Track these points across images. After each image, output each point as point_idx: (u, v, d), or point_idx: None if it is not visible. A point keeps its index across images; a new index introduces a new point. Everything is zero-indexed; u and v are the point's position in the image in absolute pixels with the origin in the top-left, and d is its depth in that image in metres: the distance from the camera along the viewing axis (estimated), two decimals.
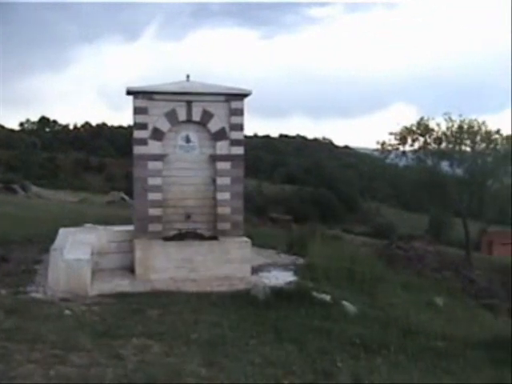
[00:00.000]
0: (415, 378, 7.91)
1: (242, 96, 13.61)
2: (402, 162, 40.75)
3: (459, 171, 39.05)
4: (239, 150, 13.54)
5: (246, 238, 13.50)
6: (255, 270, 13.75)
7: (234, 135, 13.52)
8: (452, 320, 12.68)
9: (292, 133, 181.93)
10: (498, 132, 37.20)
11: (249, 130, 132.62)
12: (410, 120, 39.44)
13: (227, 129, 13.46)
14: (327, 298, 11.37)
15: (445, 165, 39.12)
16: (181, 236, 13.37)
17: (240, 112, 13.56)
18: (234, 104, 13.52)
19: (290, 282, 12.54)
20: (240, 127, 13.58)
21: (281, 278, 13.23)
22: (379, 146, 39.46)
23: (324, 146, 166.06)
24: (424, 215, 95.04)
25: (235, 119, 13.51)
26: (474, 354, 9.72)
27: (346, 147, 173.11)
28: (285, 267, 14.69)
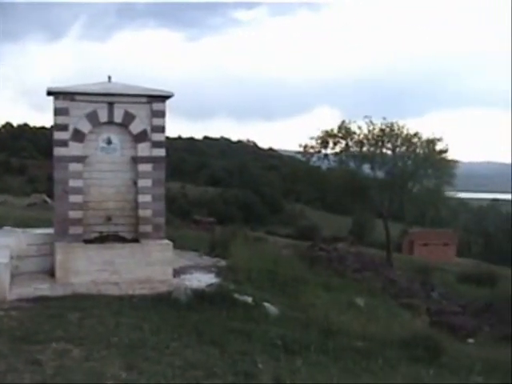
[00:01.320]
0: (335, 378, 7.99)
1: (163, 98, 13.54)
2: (325, 165, 41.32)
3: (380, 174, 39.79)
4: (161, 152, 13.47)
5: (167, 241, 13.43)
6: (177, 273, 13.69)
7: (156, 137, 13.44)
8: (372, 320, 12.88)
9: (216, 135, 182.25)
10: (417, 135, 38.11)
11: (173, 132, 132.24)
12: (334, 123, 40.03)
13: (149, 131, 13.37)
14: (249, 299, 11.41)
15: (366, 167, 39.84)
16: (102, 239, 13.21)
17: (162, 114, 13.49)
18: (156, 106, 13.44)
19: (212, 284, 12.51)
20: (162, 129, 13.51)
21: (203, 280, 13.20)
22: (302, 149, 39.93)
23: (248, 149, 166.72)
24: (347, 217, 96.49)
25: (157, 121, 13.43)
26: (392, 353, 9.92)
27: (271, 149, 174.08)
28: (207, 269, 14.66)
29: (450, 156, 39.24)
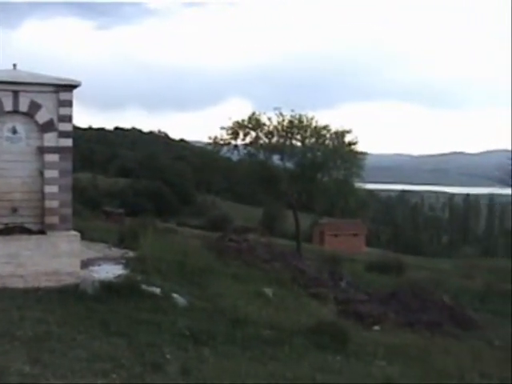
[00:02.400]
0: (243, 366, 8.08)
1: (71, 87, 13.30)
2: (235, 156, 41.41)
3: (290, 165, 40.13)
4: (68, 142, 13.24)
5: (75, 232, 13.23)
6: (85, 265, 13.50)
7: (63, 127, 13.19)
8: (280, 309, 13.03)
9: (127, 125, 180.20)
10: (326, 127, 38.59)
11: (83, 123, 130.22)
12: (245, 114, 40.14)
13: (56, 120, 13.12)
14: (157, 290, 11.39)
15: (276, 158, 40.13)
16: (7, 231, 12.91)
17: (69, 103, 13.26)
18: (63, 95, 13.19)
19: (120, 276, 12.42)
20: (69, 119, 13.27)
21: (111, 271, 13.09)
22: (212, 140, 39.92)
23: (159, 139, 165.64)
24: (258, 208, 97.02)
25: (64, 110, 13.19)
26: (300, 341, 10.08)
27: (182, 140, 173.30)
28: (115, 261, 14.53)
29: (358, 148, 39.93)
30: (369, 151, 45.12)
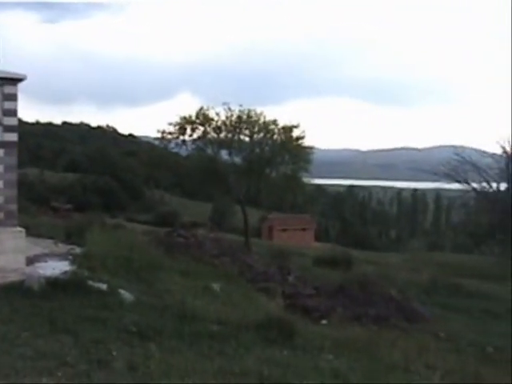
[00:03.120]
0: (190, 362, 8.06)
1: (15, 80, 13.11)
2: (184, 151, 41.35)
3: (238, 160, 40.22)
4: (13, 137, 13.05)
5: (20, 228, 13.05)
6: (31, 261, 13.33)
7: (8, 121, 12.99)
8: (228, 304, 13.04)
9: (76, 120, 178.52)
10: (274, 122, 38.75)
11: (30, 117, 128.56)
12: (194, 110, 40.12)
13: (0, 114, 12.93)
14: (103, 286, 11.29)
15: (224, 153, 40.18)
16: None
17: (13, 97, 13.06)
18: (7, 89, 12.99)
19: (66, 272, 12.29)
20: (14, 113, 13.08)
21: (57, 267, 12.92)
22: (159, 135, 39.83)
23: (108, 134, 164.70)
24: (207, 203, 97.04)
25: (8, 104, 12.99)
26: (247, 336, 10.08)
27: (131, 135, 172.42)
28: (62, 257, 14.35)
29: (306, 142, 40.15)
30: (318, 146, 45.60)
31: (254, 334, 10.27)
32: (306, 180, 42.61)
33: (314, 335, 11.61)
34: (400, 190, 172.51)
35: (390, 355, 11.05)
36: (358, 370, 9.45)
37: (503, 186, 69.71)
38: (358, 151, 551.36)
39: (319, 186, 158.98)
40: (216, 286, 14.48)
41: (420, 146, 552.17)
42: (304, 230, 78.59)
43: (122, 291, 11.37)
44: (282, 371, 8.39)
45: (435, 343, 13.88)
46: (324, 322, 14.24)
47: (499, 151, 68.58)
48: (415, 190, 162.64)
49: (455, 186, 74.68)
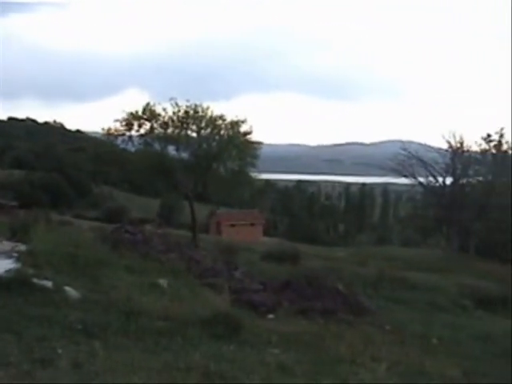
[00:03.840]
0: (136, 358, 8.05)
1: None
2: (131, 147, 41.11)
3: (185, 155, 40.13)
4: None
5: None
6: None
7: None
8: (175, 300, 13.01)
9: (22, 116, 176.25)
10: (221, 117, 38.76)
11: None
12: (141, 105, 39.85)
13: None
14: (48, 284, 11.16)
15: (171, 149, 40.04)
16: None
17: None
18: None
19: (10, 270, 12.13)
20: None
21: (1, 266, 12.74)
22: (106, 131, 39.54)
23: (55, 130, 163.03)
24: (156, 199, 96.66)
25: None
26: (194, 331, 10.11)
27: (78, 131, 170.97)
28: (6, 254, 14.12)
29: (253, 138, 40.23)
30: (266, 141, 45.75)
31: (200, 330, 10.29)
32: (253, 175, 42.68)
33: (260, 330, 11.67)
34: (348, 185, 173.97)
35: (337, 348, 11.17)
36: (305, 363, 9.55)
37: (449, 181, 70.94)
38: (306, 146, 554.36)
39: (268, 181, 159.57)
40: (163, 282, 14.42)
41: (368, 141, 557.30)
42: (252, 225, 78.75)
43: (67, 288, 11.26)
44: (228, 366, 8.43)
45: (381, 336, 14.08)
46: (271, 316, 14.30)
47: (445, 146, 69.84)
48: (363, 184, 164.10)
49: (402, 180, 75.84)
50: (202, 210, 78.80)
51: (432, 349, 13.63)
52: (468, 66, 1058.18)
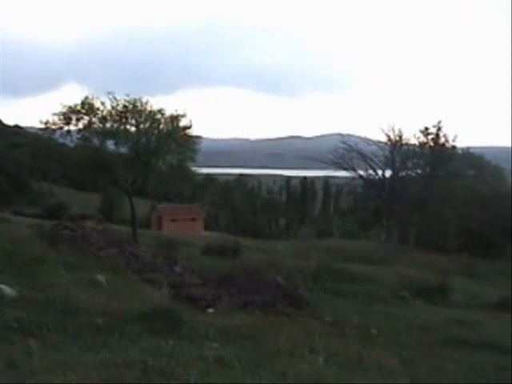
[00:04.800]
0: (73, 356, 8.00)
1: None
2: (70, 142, 40.59)
3: (124, 150, 39.82)
4: None
5: None
6: None
7: None
8: (114, 296, 12.94)
9: None
10: (160, 112, 38.59)
11: None
12: (80, 99, 39.33)
13: None
14: None
15: (110, 144, 39.67)
16: None
17: None
18: None
19: None
20: None
21: None
22: (43, 126, 39.02)
23: None
24: (97, 194, 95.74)
25: None
26: (132, 327, 10.07)
27: (17, 126, 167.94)
28: None
29: (193, 132, 40.15)
30: (207, 136, 45.78)
31: (139, 325, 10.26)
32: (193, 169, 42.58)
33: (199, 324, 11.67)
34: (289, 179, 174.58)
35: (276, 341, 11.22)
36: (243, 356, 9.57)
37: (388, 173, 72.00)
38: (247, 140, 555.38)
39: (209, 175, 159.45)
40: (101, 278, 14.33)
41: (308, 134, 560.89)
42: (193, 219, 78.60)
43: (2, 286, 11.10)
44: (166, 361, 8.41)
45: (321, 328, 14.20)
46: (210, 310, 14.32)
47: (384, 139, 70.83)
48: (304, 178, 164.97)
49: (343, 173, 76.65)
50: (143, 206, 78.33)
51: (371, 339, 13.78)
52: (406, 59, 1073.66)
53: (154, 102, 39.35)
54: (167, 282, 16.15)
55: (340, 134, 76.95)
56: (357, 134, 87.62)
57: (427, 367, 11.55)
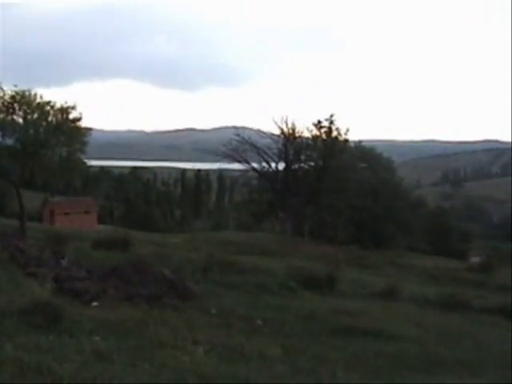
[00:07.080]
0: None
1: None
2: None
3: (11, 141, 39.07)
4: None
5: None
6: None
7: None
8: None
9: None
10: (49, 103, 38.03)
11: None
12: None
13: None
14: None
15: None
16: None
17: None
18: None
19: None
20: None
21: None
22: None
23: None
24: None
25: None
26: (10, 322, 9.90)
27: None
28: None
29: (83, 124, 39.75)
30: (102, 128, 45.37)
31: (17, 321, 10.11)
32: (83, 162, 42.17)
33: (82, 318, 11.55)
34: (184, 171, 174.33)
35: (159, 334, 11.25)
36: (124, 349, 9.57)
37: (282, 166, 72.83)
38: (142, 132, 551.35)
39: (103, 167, 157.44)
40: None
41: (204, 127, 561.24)
42: (87, 212, 77.61)
43: None
44: (44, 356, 8.31)
45: (206, 319, 14.28)
46: (95, 304, 14.15)
47: (278, 132, 71.60)
48: (199, 170, 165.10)
49: (237, 165, 77.00)
50: (35, 199, 76.67)
51: (256, 330, 13.95)
52: (299, 53, 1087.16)
53: (49, 94, 38.88)
54: (52, 276, 15.85)
55: (234, 127, 77.30)
56: (251, 126, 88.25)
57: (309, 355, 11.76)
